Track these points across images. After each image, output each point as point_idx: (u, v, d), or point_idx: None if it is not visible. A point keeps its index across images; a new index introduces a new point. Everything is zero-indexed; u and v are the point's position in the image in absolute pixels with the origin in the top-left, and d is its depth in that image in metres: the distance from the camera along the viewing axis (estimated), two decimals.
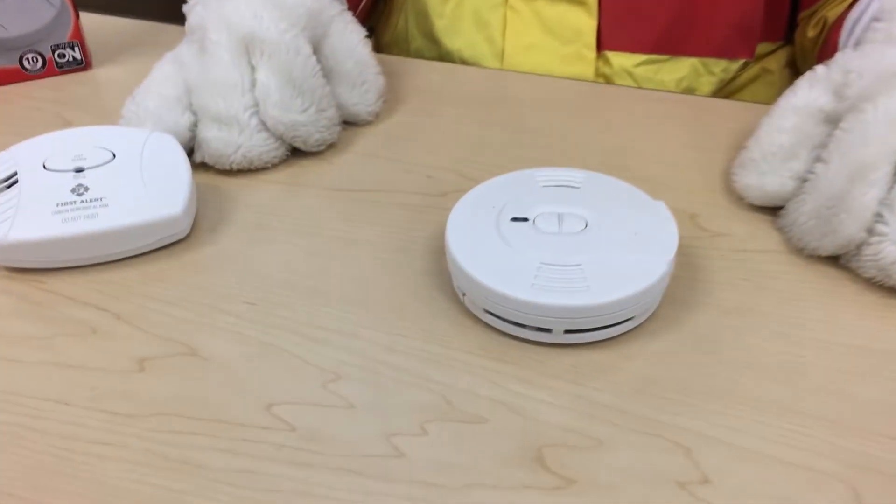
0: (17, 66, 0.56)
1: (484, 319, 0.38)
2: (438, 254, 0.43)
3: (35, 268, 0.41)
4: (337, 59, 0.52)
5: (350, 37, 0.53)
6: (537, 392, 0.35)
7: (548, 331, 0.36)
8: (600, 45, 0.60)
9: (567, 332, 0.36)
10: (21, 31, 0.55)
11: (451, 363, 0.37)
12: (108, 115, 0.54)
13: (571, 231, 0.38)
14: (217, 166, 0.48)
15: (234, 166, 0.48)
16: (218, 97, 0.48)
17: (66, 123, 0.53)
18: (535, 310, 0.36)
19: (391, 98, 0.56)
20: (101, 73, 0.59)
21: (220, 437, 0.33)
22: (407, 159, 0.50)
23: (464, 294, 0.38)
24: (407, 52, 0.67)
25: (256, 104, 0.48)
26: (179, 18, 0.65)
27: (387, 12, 0.71)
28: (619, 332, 0.37)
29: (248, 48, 0.49)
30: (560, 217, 0.39)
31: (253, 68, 0.49)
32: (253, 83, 0.48)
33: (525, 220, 0.39)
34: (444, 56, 0.64)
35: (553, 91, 0.57)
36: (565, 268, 0.37)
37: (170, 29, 0.64)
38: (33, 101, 0.55)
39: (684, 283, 0.40)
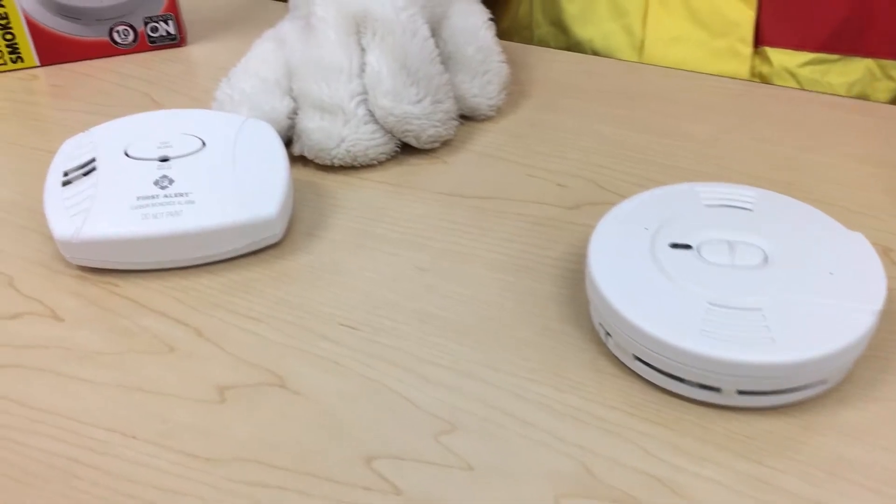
0: (107, 39, 0.52)
1: (632, 367, 0.31)
2: (572, 279, 0.36)
3: (109, 268, 0.36)
4: (457, 44, 0.45)
5: (472, 19, 0.47)
6: (701, 467, 0.28)
7: (716, 390, 0.29)
8: (758, 40, 0.52)
9: (741, 392, 0.29)
10: (113, 0, 0.51)
11: (591, 420, 0.30)
12: (201, 97, 0.49)
13: (747, 265, 0.31)
14: (317, 161, 0.43)
15: (336, 162, 0.42)
16: (321, 82, 0.42)
17: (155, 105, 0.49)
18: (702, 363, 0.28)
19: (514, 90, 0.49)
20: (195, 51, 0.54)
21: (311, 496, 0.27)
22: (532, 162, 0.43)
23: (608, 334, 0.31)
24: (529, 40, 0.60)
25: (365, 92, 0.42)
26: None
27: None
28: (804, 397, 0.30)
29: (359, 27, 0.43)
30: (731, 246, 0.32)
31: (363, 50, 0.43)
32: (362, 67, 0.42)
33: (687, 247, 0.32)
34: (573, 46, 0.56)
35: (701, 90, 0.49)
36: (742, 311, 0.29)
37: (273, 5, 0.59)
38: (121, 79, 0.51)
39: (883, 336, 0.33)
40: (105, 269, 0.36)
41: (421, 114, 0.42)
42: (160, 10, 0.52)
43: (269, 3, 0.59)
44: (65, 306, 0.35)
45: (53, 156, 0.43)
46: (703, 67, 0.51)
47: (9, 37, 0.50)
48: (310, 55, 0.43)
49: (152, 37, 0.53)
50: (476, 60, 0.46)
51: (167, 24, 0.53)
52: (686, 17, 0.52)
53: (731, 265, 0.31)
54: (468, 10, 0.47)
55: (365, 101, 0.42)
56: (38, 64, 0.52)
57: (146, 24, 0.52)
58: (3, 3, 0.49)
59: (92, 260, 0.36)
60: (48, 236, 0.38)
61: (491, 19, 0.47)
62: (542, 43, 0.59)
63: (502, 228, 0.39)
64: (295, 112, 0.43)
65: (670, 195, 0.35)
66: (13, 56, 0.51)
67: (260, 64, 0.45)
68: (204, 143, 0.38)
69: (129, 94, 0.49)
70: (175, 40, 0.53)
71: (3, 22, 0.50)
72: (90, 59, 0.52)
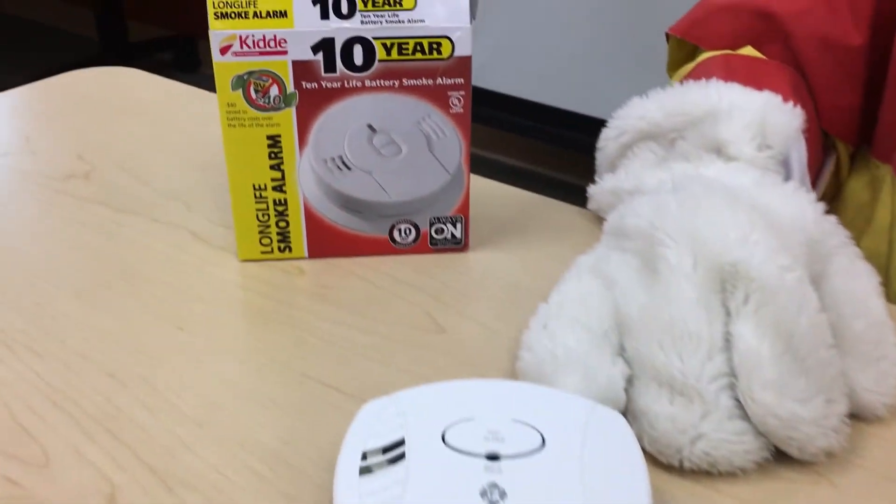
0: (386, 236, 0.45)
1: None
2: None
3: None
4: (841, 315, 0.35)
5: (858, 282, 0.37)
6: None
7: None
8: None
9: None
10: (403, 197, 0.44)
11: None
12: (491, 323, 0.41)
13: None
14: (659, 457, 0.32)
15: (686, 463, 0.32)
16: (671, 351, 0.33)
17: (439, 329, 0.41)
18: None
19: None
20: (476, 258, 0.46)
21: None
22: None
23: None
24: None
25: (730, 373, 0.32)
26: (558, 190, 0.51)
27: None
28: None
29: (725, 283, 0.33)
30: None
31: (729, 316, 0.33)
32: (727, 340, 0.33)
33: None
34: None
35: None
36: None
37: (563, 208, 0.51)
38: (397, 286, 0.44)
39: None
40: None
41: (811, 417, 0.31)
42: (451, 211, 0.45)
43: (559, 205, 0.51)
44: None
45: (324, 388, 0.36)
46: None
47: (282, 224, 0.44)
48: (656, 311, 0.34)
49: (435, 238, 0.46)
50: (868, 341, 0.35)
51: (454, 226, 0.46)
52: None
53: None
54: (851, 268, 0.37)
55: (730, 385, 0.32)
56: (306, 255, 0.45)
57: (431, 224, 0.45)
58: (285, 189, 0.43)
59: None
60: None
61: (881, 283, 0.37)
62: None
63: None
64: (628, 380, 0.34)
65: None
66: (282, 245, 0.45)
67: (580, 306, 0.36)
68: (543, 440, 0.28)
69: (408, 310, 0.42)
70: (459, 244, 0.46)
71: (280, 209, 0.44)
72: (362, 255, 0.46)
